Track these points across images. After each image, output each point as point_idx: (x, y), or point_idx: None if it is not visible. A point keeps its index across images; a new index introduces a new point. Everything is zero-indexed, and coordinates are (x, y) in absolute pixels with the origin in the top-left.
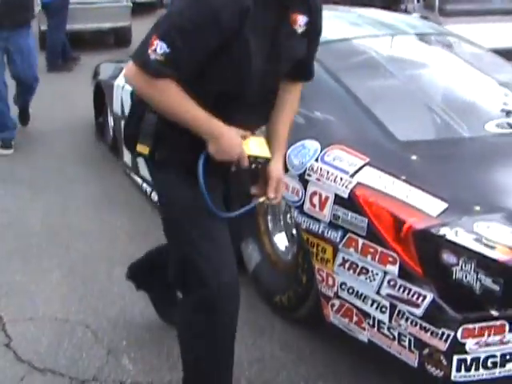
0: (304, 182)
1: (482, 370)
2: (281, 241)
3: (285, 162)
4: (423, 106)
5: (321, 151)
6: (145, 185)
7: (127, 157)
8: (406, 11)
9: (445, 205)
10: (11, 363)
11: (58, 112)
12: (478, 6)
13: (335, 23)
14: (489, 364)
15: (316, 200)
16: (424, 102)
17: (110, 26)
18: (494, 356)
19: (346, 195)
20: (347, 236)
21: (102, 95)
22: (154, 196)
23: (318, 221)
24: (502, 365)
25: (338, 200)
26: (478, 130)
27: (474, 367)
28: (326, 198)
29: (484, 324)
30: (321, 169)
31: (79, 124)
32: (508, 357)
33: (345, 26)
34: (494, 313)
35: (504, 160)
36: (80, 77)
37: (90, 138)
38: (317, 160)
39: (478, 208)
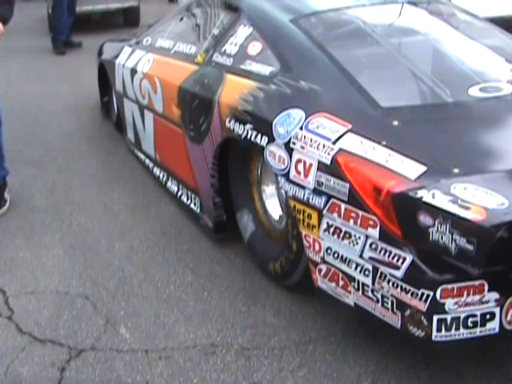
0: (289, 151)
1: (462, 330)
2: (274, 210)
3: (271, 131)
4: (408, 72)
5: (305, 119)
6: (147, 160)
7: (130, 133)
8: None
9: (424, 168)
10: (13, 335)
11: (64, 93)
12: None
13: None
14: (469, 323)
15: (301, 167)
16: (409, 68)
17: (118, 6)
18: (474, 315)
19: (328, 162)
20: (330, 202)
21: (106, 74)
22: (156, 171)
23: (303, 188)
24: (483, 324)
25: (321, 167)
26: (461, 95)
27: (454, 327)
28: (310, 165)
29: (463, 284)
30: (305, 136)
31: (86, 104)
32: (488, 316)
33: None
34: (472, 272)
35: (486, 124)
36: (87, 57)
37: (96, 116)
38: (301, 128)
39: (456, 171)
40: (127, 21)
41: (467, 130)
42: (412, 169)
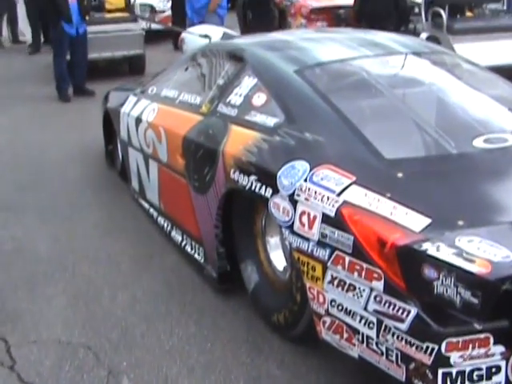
0: (294, 202)
1: (467, 383)
2: (279, 261)
3: (276, 183)
4: (412, 123)
5: (309, 171)
6: (151, 210)
7: (135, 182)
8: (415, 31)
9: (428, 220)
10: None
11: (69, 140)
12: (485, 24)
13: (328, 45)
14: (474, 377)
15: (305, 219)
16: (413, 119)
17: (124, 54)
18: (479, 369)
19: (332, 214)
20: (335, 254)
21: (111, 123)
22: (160, 221)
23: (308, 240)
24: (488, 378)
25: (326, 219)
26: (465, 146)
27: (459, 381)
28: (314, 217)
29: (468, 337)
30: (309, 189)
31: (90, 152)
32: (494, 369)
33: (337, 48)
34: (477, 326)
35: (491, 176)
36: (92, 105)
37: (101, 165)
38: (306, 180)
39: (461, 223)
40: (133, 68)
41: (472, 181)
42: (416, 221)
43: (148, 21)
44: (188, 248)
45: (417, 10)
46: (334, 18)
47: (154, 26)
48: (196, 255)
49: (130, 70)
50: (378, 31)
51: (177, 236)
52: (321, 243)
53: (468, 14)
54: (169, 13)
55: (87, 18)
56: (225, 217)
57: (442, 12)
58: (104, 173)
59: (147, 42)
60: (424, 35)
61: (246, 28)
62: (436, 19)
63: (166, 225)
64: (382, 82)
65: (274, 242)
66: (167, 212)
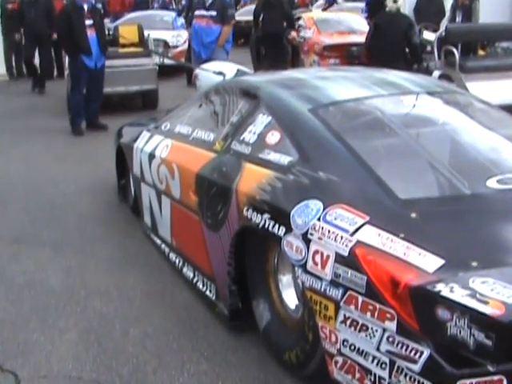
0: (307, 241)
1: None
2: (291, 299)
3: (289, 221)
4: (426, 163)
5: (323, 210)
6: (163, 245)
7: (147, 218)
8: (427, 69)
9: (442, 261)
10: None
11: (82, 174)
12: (498, 62)
13: (342, 83)
14: None
15: (318, 258)
16: (427, 159)
17: (137, 89)
18: None
19: (346, 253)
20: (348, 293)
21: (123, 157)
22: (172, 257)
23: (320, 279)
24: None
25: (339, 258)
26: (479, 187)
27: None
28: (328, 257)
29: (481, 379)
30: (322, 228)
31: (103, 186)
32: None
33: (351, 87)
34: (491, 368)
35: (504, 216)
36: (105, 139)
37: (113, 199)
38: (319, 219)
39: (474, 264)
40: (146, 103)
41: (485, 222)
42: (430, 262)
43: (161, 56)
44: (200, 285)
45: (429, 48)
46: (346, 55)
47: (167, 61)
48: (208, 292)
49: (143, 104)
50: (391, 70)
51: (188, 272)
52: (334, 283)
53: (480, 52)
54: (182, 48)
55: (106, 51)
56: (237, 254)
57: (454, 50)
58: (116, 207)
59: (160, 77)
60: (436, 73)
61: (259, 64)
62: (449, 57)
63: (177, 261)
64: (396, 122)
65: (286, 280)
66: (179, 248)
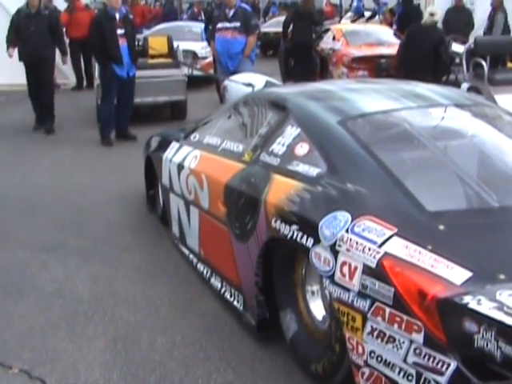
0: (335, 253)
1: None
2: (318, 310)
3: (317, 232)
4: (454, 176)
5: (351, 222)
6: (191, 256)
7: (175, 228)
8: (456, 81)
9: (469, 274)
10: None
11: (111, 184)
12: None
13: (370, 95)
14: None
15: (346, 270)
16: (455, 172)
17: (166, 99)
18: None
19: (373, 265)
20: (375, 305)
21: (152, 168)
22: (200, 267)
23: (348, 290)
24: None
25: (367, 270)
26: (507, 200)
27: None
28: (355, 268)
29: None
30: (350, 239)
31: (131, 195)
32: None
33: (380, 99)
34: None
35: None
36: (133, 149)
37: (141, 209)
38: (347, 231)
39: (502, 277)
40: (174, 114)
41: None
42: (457, 274)
43: (190, 67)
44: (227, 295)
45: (458, 60)
46: (375, 67)
47: (196, 72)
48: (235, 302)
49: (172, 115)
50: (419, 82)
51: (216, 282)
52: (361, 294)
53: (509, 64)
54: (210, 59)
55: (137, 60)
56: (265, 265)
57: (483, 63)
58: (145, 217)
59: (188, 88)
60: (465, 86)
61: (288, 75)
62: (477, 70)
63: (205, 271)
64: (425, 134)
65: (313, 291)
66: (207, 258)
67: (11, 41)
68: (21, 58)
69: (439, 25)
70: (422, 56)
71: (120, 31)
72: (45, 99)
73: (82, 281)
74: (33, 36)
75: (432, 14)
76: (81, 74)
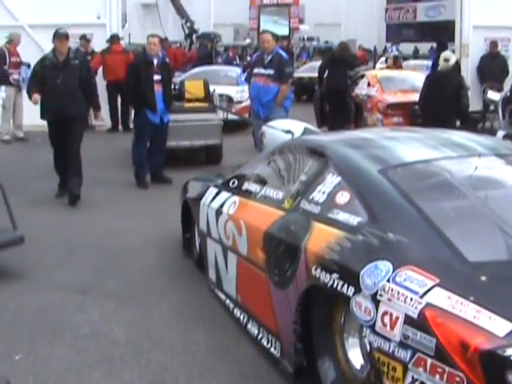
0: (376, 302)
1: None
2: (356, 359)
3: (358, 282)
4: (495, 226)
5: (393, 272)
6: (228, 301)
7: (212, 273)
8: (491, 129)
9: None
10: None
11: (146, 226)
12: None
13: (410, 144)
14: None
15: (387, 320)
16: (496, 222)
17: (202, 143)
18: None
19: (415, 315)
20: (416, 355)
21: (189, 212)
22: (237, 312)
23: (389, 340)
24: None
25: (408, 320)
26: None
27: None
28: (397, 318)
29: None
30: (392, 289)
31: (167, 239)
32: None
33: (419, 148)
34: None
35: None
36: (168, 192)
37: (178, 253)
38: (389, 280)
39: None
40: (210, 158)
41: None
42: (500, 326)
43: (226, 111)
44: (264, 341)
45: (493, 107)
46: (410, 113)
47: (231, 117)
48: (272, 349)
49: (207, 159)
50: (456, 131)
51: (253, 329)
52: (402, 344)
53: None
54: (246, 103)
55: (171, 106)
56: (303, 312)
57: None
58: (181, 261)
59: (223, 132)
60: (501, 133)
61: (323, 121)
62: None
63: (242, 317)
64: (465, 184)
65: (352, 339)
66: (244, 304)
67: (33, 89)
68: (44, 118)
69: (473, 72)
70: (443, 101)
71: (157, 77)
72: (73, 166)
73: (117, 323)
74: (60, 90)
75: (446, 60)
76: (116, 117)
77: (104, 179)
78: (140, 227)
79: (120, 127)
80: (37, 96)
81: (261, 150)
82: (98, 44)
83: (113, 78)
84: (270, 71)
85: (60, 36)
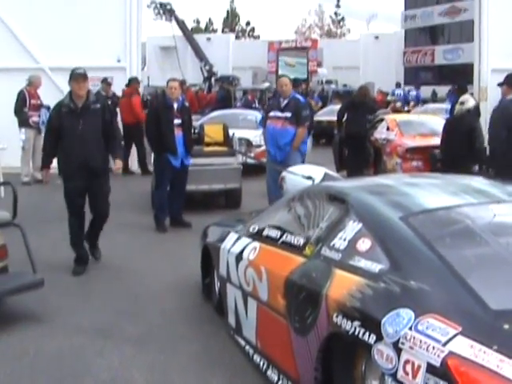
0: (398, 350)
1: None
2: None
3: (380, 329)
4: None
5: (414, 320)
6: (248, 347)
7: (232, 318)
8: None
9: None
10: None
11: (165, 270)
12: None
13: (431, 191)
14: None
15: (409, 368)
16: None
17: (221, 187)
18: None
19: (438, 364)
20: None
21: (209, 257)
22: (257, 358)
23: None
24: None
25: (431, 368)
26: None
27: None
28: (419, 367)
29: None
30: (414, 337)
31: (186, 283)
32: None
33: (440, 194)
34: None
35: None
36: (188, 236)
37: (197, 297)
38: (410, 328)
39: None
40: (229, 202)
41: None
42: None
43: (244, 155)
44: None
45: None
46: (429, 158)
47: (251, 160)
48: None
49: (226, 203)
50: (477, 177)
51: (273, 375)
52: None
53: None
54: (265, 147)
55: (191, 150)
56: (324, 359)
57: None
58: (200, 306)
59: (242, 176)
60: None
61: (342, 165)
62: None
63: (261, 363)
64: (487, 231)
65: None
66: (264, 350)
67: (48, 155)
68: (62, 172)
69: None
70: (457, 145)
71: (177, 121)
72: (99, 230)
73: (137, 369)
74: (81, 140)
75: (462, 103)
76: (127, 158)
77: (123, 222)
78: (159, 271)
79: (130, 169)
80: (47, 171)
81: (278, 196)
82: (117, 87)
83: (129, 120)
84: (288, 114)
85: (77, 77)
